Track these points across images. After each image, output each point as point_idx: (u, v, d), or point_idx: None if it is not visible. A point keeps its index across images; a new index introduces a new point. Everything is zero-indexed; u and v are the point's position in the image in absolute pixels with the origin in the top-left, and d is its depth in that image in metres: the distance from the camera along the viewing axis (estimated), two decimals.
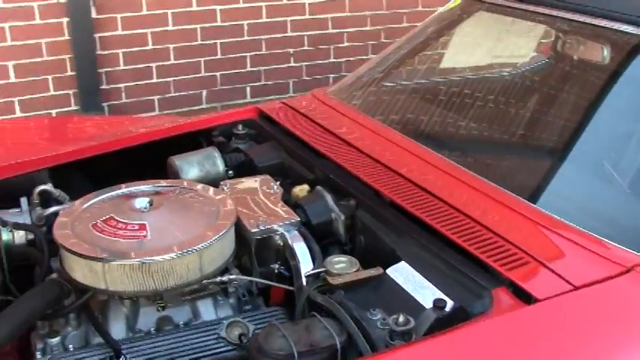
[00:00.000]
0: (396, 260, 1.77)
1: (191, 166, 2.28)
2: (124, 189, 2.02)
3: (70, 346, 1.78)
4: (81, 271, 1.75)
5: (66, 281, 1.79)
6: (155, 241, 1.76)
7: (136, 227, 1.80)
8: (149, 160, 2.49)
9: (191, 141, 2.55)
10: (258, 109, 2.62)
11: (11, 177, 2.26)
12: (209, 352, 1.75)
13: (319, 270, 1.78)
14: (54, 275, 1.82)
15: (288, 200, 2.10)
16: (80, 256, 1.71)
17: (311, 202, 2.05)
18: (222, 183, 2.13)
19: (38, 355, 1.76)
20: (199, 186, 2.05)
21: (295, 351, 1.51)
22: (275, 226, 1.91)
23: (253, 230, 1.89)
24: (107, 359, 1.71)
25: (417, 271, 1.71)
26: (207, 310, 1.89)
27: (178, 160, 2.29)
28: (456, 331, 1.46)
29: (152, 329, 1.83)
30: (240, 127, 2.52)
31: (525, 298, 1.54)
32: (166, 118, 2.96)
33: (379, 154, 2.15)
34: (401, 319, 1.52)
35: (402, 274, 1.73)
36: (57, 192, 2.15)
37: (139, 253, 1.72)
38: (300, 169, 2.25)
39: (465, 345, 1.45)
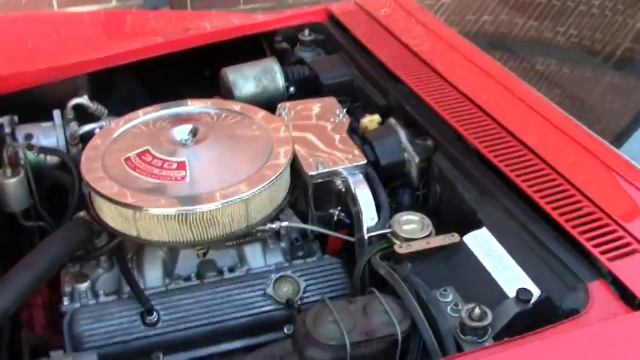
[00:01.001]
0: (476, 224, 1.48)
1: (246, 80, 1.99)
2: (164, 110, 1.76)
3: (101, 291, 1.59)
4: (110, 215, 1.53)
5: (95, 221, 1.57)
6: (195, 184, 1.51)
7: (174, 165, 1.55)
8: (205, 65, 2.23)
9: (252, 45, 2.25)
10: (329, 11, 2.27)
11: (48, 83, 2.02)
12: (253, 311, 1.54)
13: (384, 231, 1.50)
14: (82, 213, 1.60)
15: (354, 130, 1.81)
16: (109, 199, 1.49)
17: (381, 138, 1.75)
18: (279, 106, 1.84)
19: (65, 301, 1.58)
20: (253, 110, 1.77)
21: (348, 342, 1.27)
22: (337, 169, 1.63)
23: (311, 173, 1.61)
24: (138, 315, 1.52)
25: (500, 243, 1.42)
26: (254, 255, 1.66)
27: (232, 74, 2.00)
28: (542, 338, 1.19)
29: (192, 275, 1.62)
30: (306, 32, 2.20)
31: (629, 299, 1.24)
32: (235, 15, 2.62)
33: (470, 89, 1.79)
34: (477, 311, 1.25)
35: (482, 244, 1.44)
36: (94, 105, 1.91)
37: (176, 200, 1.48)
38: (371, 93, 1.93)
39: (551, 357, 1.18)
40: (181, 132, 1.64)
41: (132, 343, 1.50)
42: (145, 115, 1.75)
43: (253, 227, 1.56)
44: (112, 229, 1.54)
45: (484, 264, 1.40)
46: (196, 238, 1.50)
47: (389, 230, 1.49)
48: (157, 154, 1.57)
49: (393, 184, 1.75)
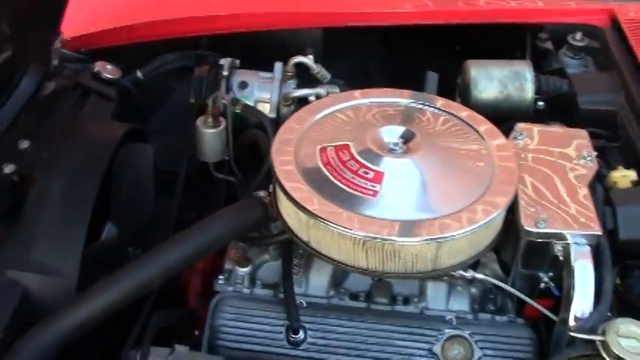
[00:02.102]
0: None
1: (490, 81, 1.69)
2: (381, 98, 1.53)
3: (259, 281, 1.45)
4: (286, 210, 1.35)
5: (272, 207, 1.41)
6: (385, 205, 1.28)
7: (370, 175, 1.32)
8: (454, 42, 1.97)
9: (511, 33, 1.93)
10: (613, 15, 1.87)
11: (280, 29, 1.86)
12: None
13: (592, 337, 1.19)
14: (262, 193, 1.44)
15: (599, 178, 1.47)
16: (287, 196, 1.30)
17: (630, 204, 1.40)
18: (517, 129, 1.52)
19: (221, 280, 1.45)
20: (481, 122, 1.48)
21: None
22: (562, 232, 1.31)
23: (529, 229, 1.31)
24: (284, 328, 1.36)
25: None
26: (436, 294, 1.42)
27: (475, 70, 1.70)
28: None
29: (361, 295, 1.42)
30: (578, 35, 1.84)
31: None
32: None
33: None
34: None
35: None
36: (317, 68, 1.73)
37: (358, 218, 1.26)
38: (637, 137, 1.56)
39: None
40: (391, 134, 1.40)
41: (267, 356, 1.35)
42: (359, 99, 1.52)
43: (440, 272, 1.31)
44: (285, 223, 1.37)
45: None
46: (369, 267, 1.29)
47: (599, 338, 1.17)
48: (356, 155, 1.35)
49: (628, 263, 1.40)
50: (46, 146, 1.53)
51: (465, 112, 1.51)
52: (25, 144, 1.55)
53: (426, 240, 1.24)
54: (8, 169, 1.50)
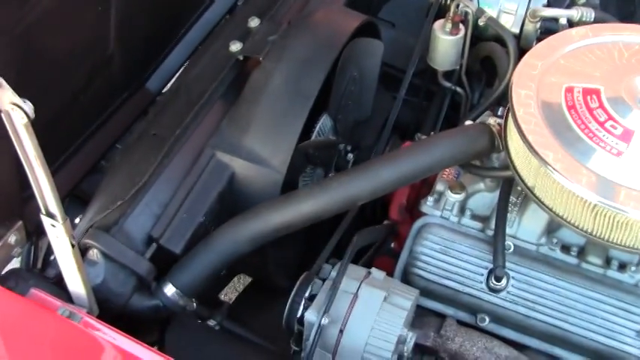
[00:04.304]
0: None
1: None
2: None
3: (469, 211, 1.37)
4: (516, 149, 1.24)
5: (500, 139, 1.30)
6: (629, 168, 1.14)
7: (618, 131, 1.17)
8: None
9: None
10: None
11: None
12: (613, 343, 1.26)
13: None
14: (492, 120, 1.33)
15: None
16: (522, 136, 1.18)
17: None
18: None
19: (430, 201, 1.38)
20: None
21: None
22: None
23: None
24: (486, 271, 1.29)
25: None
26: None
27: None
28: None
29: (575, 249, 1.31)
30: None
31: None
32: None
33: None
34: None
35: None
36: None
37: (595, 178, 1.13)
38: None
39: None
40: None
41: (463, 296, 1.30)
42: (623, 35, 1.34)
43: None
44: (511, 161, 1.26)
45: None
46: (594, 231, 1.17)
47: None
48: (606, 105, 1.20)
49: None
50: (275, 28, 1.49)
51: None
52: (255, 22, 1.53)
53: None
54: (235, 47, 1.48)
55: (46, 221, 0.99)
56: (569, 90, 1.23)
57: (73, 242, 1.02)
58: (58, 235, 1.00)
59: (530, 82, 1.25)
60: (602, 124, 1.18)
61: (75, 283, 1.10)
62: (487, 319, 1.30)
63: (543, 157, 1.15)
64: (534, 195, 1.22)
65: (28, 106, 0.84)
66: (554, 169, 1.14)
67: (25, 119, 0.84)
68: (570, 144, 1.17)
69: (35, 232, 1.29)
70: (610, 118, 1.18)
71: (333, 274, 1.22)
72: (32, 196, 0.97)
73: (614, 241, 1.16)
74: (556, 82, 1.25)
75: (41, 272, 1.29)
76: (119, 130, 1.59)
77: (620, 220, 1.12)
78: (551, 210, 1.21)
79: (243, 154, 1.36)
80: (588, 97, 1.22)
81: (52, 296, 1.10)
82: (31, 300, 1.10)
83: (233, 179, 1.36)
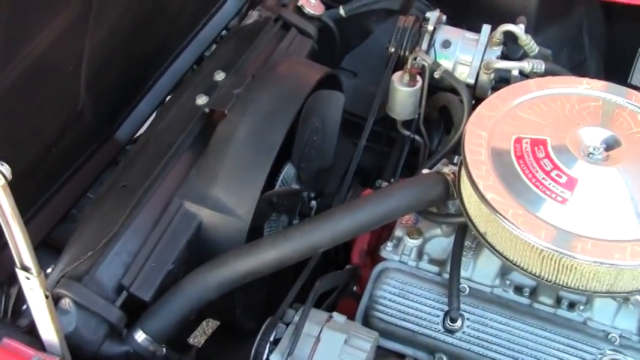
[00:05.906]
0: None
1: None
2: (595, 91, 1.41)
3: (426, 255, 1.43)
4: (468, 197, 1.32)
5: (454, 187, 1.37)
6: (572, 216, 1.21)
7: (563, 180, 1.25)
8: None
9: None
10: None
11: None
12: None
13: None
14: (446, 169, 1.40)
15: None
16: (473, 185, 1.26)
17: None
18: None
19: (389, 246, 1.45)
20: None
21: None
22: None
23: None
24: (442, 313, 1.35)
25: None
26: (603, 308, 1.36)
27: None
28: None
29: (527, 290, 1.38)
30: None
31: None
32: None
33: None
34: None
35: None
36: (526, 39, 1.65)
37: (540, 224, 1.20)
38: None
39: None
40: (592, 137, 1.30)
41: (421, 337, 1.36)
42: (565, 88, 1.42)
43: (615, 294, 1.25)
44: (464, 209, 1.33)
45: None
46: (542, 274, 1.24)
47: None
48: (552, 155, 1.28)
49: None
50: (240, 81, 1.56)
51: None
52: (220, 75, 1.59)
53: (610, 264, 1.17)
54: (201, 100, 1.55)
55: (20, 274, 1.03)
56: (518, 141, 1.31)
57: (47, 294, 1.06)
58: (32, 287, 1.05)
59: (481, 132, 1.33)
60: (548, 173, 1.26)
61: (48, 332, 1.14)
62: (444, 359, 1.36)
63: (493, 205, 1.22)
64: (486, 241, 1.29)
65: (6, 169, 0.89)
66: (503, 217, 1.21)
67: (3, 181, 0.89)
68: (519, 192, 1.24)
69: (6, 282, 1.33)
70: (555, 167, 1.26)
71: (296, 318, 1.27)
72: (3, 247, 1.01)
73: (561, 283, 1.24)
74: (506, 132, 1.33)
75: (13, 321, 1.32)
76: (90, 179, 1.64)
77: (565, 264, 1.20)
78: (502, 255, 1.28)
79: (210, 204, 1.41)
80: (536, 148, 1.30)
81: (24, 345, 1.14)
82: (3, 349, 1.14)
83: (200, 228, 1.41)
